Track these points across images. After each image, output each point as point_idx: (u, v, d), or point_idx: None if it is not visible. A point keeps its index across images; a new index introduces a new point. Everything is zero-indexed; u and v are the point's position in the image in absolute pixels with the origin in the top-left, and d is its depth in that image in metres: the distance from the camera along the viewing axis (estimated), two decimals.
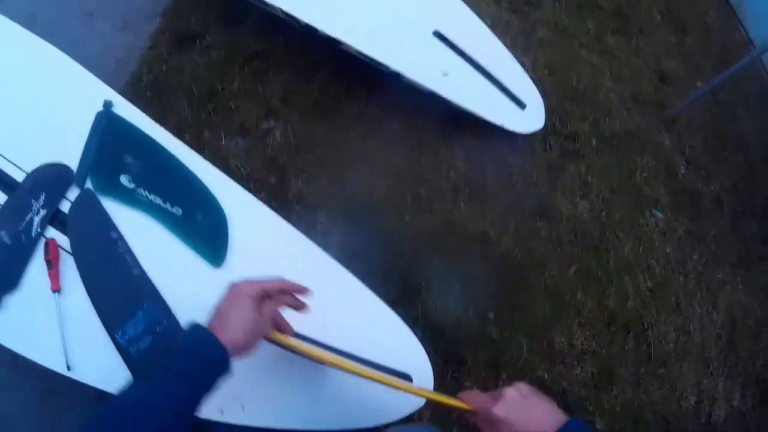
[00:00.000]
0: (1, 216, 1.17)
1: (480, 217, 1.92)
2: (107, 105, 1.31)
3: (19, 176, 1.21)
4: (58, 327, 1.09)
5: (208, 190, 1.27)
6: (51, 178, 1.22)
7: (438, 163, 1.95)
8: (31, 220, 1.16)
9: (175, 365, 0.68)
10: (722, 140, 2.82)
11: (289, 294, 0.87)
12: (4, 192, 1.20)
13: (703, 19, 3.42)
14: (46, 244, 1.14)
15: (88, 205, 1.21)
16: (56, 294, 1.11)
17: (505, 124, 1.88)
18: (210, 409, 1.06)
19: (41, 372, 1.06)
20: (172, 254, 1.20)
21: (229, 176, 1.29)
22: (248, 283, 0.81)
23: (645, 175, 2.39)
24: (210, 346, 0.71)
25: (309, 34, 1.91)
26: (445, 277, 1.78)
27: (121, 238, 1.19)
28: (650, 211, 2.35)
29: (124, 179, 1.24)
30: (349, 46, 1.82)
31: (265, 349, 1.08)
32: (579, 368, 1.90)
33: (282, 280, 0.86)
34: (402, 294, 1.70)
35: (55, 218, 1.20)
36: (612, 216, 2.21)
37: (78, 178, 1.23)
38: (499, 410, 0.70)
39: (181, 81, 1.97)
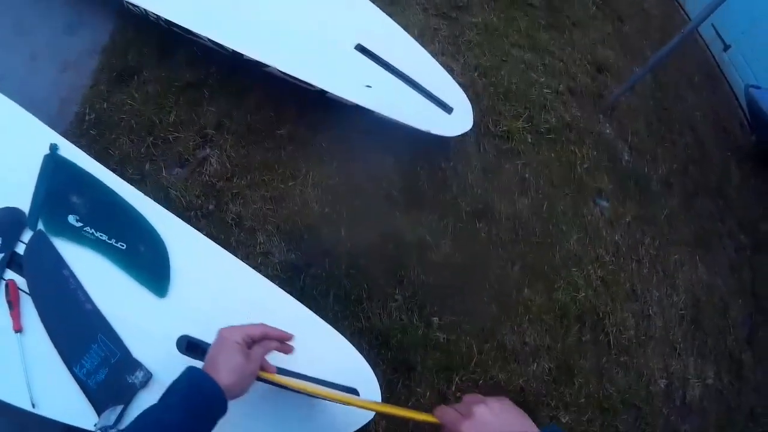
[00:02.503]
0: None
1: (417, 224, 2.13)
2: (53, 148, 1.50)
3: None
4: (21, 366, 1.23)
5: (149, 224, 1.45)
6: (6, 222, 1.39)
7: (371, 175, 2.16)
8: None
9: (178, 404, 0.81)
10: (667, 123, 3.11)
11: (275, 339, 1.04)
12: None
13: (642, 5, 3.76)
14: (6, 286, 1.30)
15: (40, 246, 1.37)
16: (18, 334, 1.26)
17: (432, 130, 2.09)
18: None
19: (10, 409, 1.21)
20: (120, 287, 1.37)
21: (170, 206, 1.47)
22: (234, 329, 0.97)
23: (586, 166, 2.64)
24: (209, 388, 0.84)
25: (237, 59, 2.13)
26: (386, 287, 1.98)
27: (72, 275, 1.35)
28: (594, 200, 2.59)
29: (71, 219, 1.42)
30: (273, 68, 2.05)
31: None
32: (534, 364, 2.08)
33: (264, 326, 1.02)
34: (344, 307, 1.88)
35: (12, 260, 1.35)
36: (554, 210, 2.43)
37: (30, 221, 1.40)
38: (467, 429, 0.72)
39: (121, 117, 2.16)
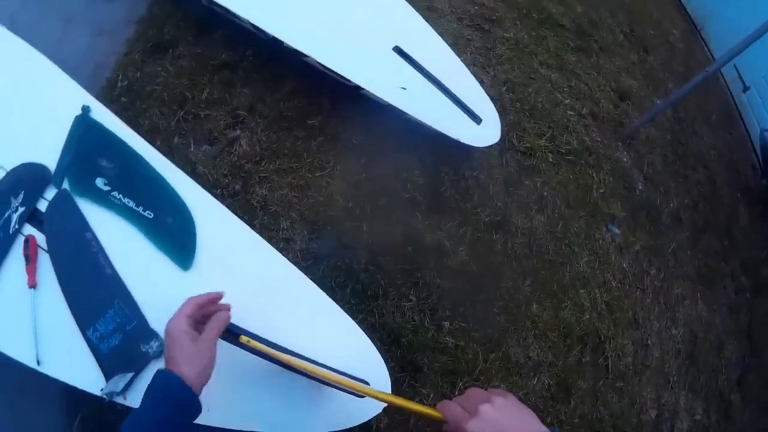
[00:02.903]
0: None
1: (437, 229, 2.20)
2: (85, 110, 1.48)
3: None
4: (31, 322, 1.23)
5: (178, 196, 1.44)
6: (30, 178, 1.38)
7: (397, 176, 2.22)
8: (9, 217, 1.32)
9: (151, 409, 0.86)
10: (682, 157, 3.21)
11: (207, 305, 1.09)
12: None
13: (667, 38, 3.87)
14: (26, 240, 1.29)
15: (64, 205, 1.37)
16: (32, 290, 1.25)
17: (461, 138, 2.16)
18: None
19: (9, 364, 1.22)
20: (143, 256, 1.36)
21: (197, 182, 1.48)
22: (173, 319, 1.01)
23: (602, 191, 2.72)
24: (176, 388, 0.89)
25: (275, 46, 2.16)
26: (402, 286, 2.04)
27: (95, 238, 1.34)
28: (606, 226, 2.67)
29: (99, 182, 1.41)
30: (312, 59, 2.10)
31: (232, 352, 1.26)
32: (535, 379, 2.15)
33: (190, 299, 1.07)
34: (360, 301, 1.93)
35: (33, 216, 1.34)
36: (568, 230, 2.51)
37: (55, 179, 1.39)
38: (472, 427, 0.72)
39: (153, 88, 2.20)
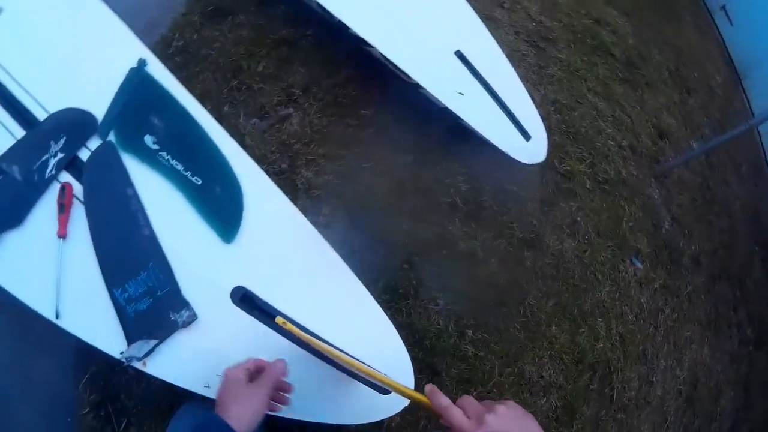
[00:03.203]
0: (15, 151, 1.23)
1: (472, 237, 2.17)
2: (141, 63, 1.40)
3: (41, 115, 1.29)
4: (55, 273, 1.16)
5: (230, 166, 1.38)
6: (74, 123, 1.30)
7: (440, 179, 2.19)
8: (47, 162, 1.23)
9: None
10: (709, 203, 3.19)
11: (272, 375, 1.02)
12: (23, 127, 1.26)
13: (709, 82, 3.85)
14: (63, 188, 1.21)
15: (108, 157, 1.29)
16: (61, 240, 1.18)
17: (510, 152, 2.13)
18: (194, 382, 1.19)
19: (24, 313, 1.15)
20: (185, 222, 1.30)
21: None
22: (234, 368, 0.99)
23: (631, 224, 2.71)
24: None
25: (338, 30, 2.13)
26: (433, 289, 2.02)
27: (136, 196, 1.27)
28: (630, 259, 2.66)
29: (148, 139, 1.33)
30: (375, 49, 2.04)
31: (257, 333, 1.25)
32: (544, 399, 2.14)
33: (256, 360, 1.04)
34: (390, 298, 1.91)
35: (72, 164, 1.26)
36: (595, 258, 2.50)
37: (102, 129, 1.31)
38: None
39: (209, 52, 2.15)
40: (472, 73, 2.22)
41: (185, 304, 1.23)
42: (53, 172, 1.24)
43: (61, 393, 1.47)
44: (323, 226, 1.94)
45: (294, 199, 1.95)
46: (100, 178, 1.28)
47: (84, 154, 1.29)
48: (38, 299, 1.16)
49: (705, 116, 3.58)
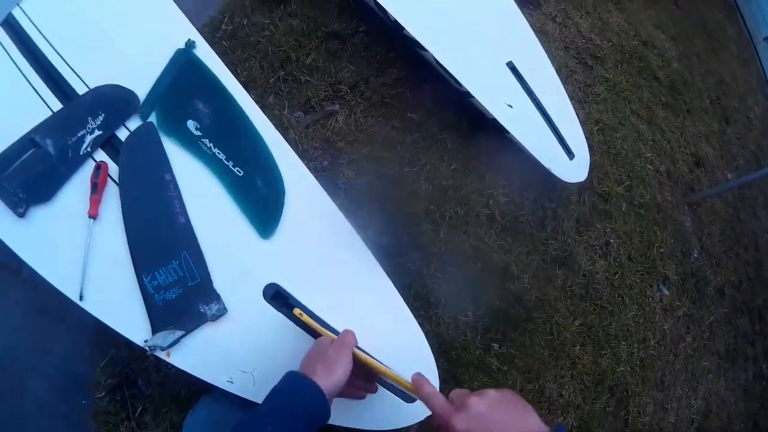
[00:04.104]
0: (50, 124, 1.13)
1: (507, 252, 2.06)
2: (189, 45, 1.29)
3: (81, 90, 1.19)
4: (82, 253, 1.08)
5: (273, 159, 1.28)
6: (114, 100, 1.19)
7: (481, 190, 2.08)
8: (83, 138, 1.14)
9: (282, 412, 0.75)
10: (738, 235, 3.04)
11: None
12: (61, 101, 1.16)
13: (748, 114, 3.67)
14: (98, 166, 1.12)
15: (147, 138, 1.19)
16: (92, 220, 1.09)
17: (553, 169, 2.02)
18: (218, 376, 1.12)
19: (44, 290, 1.09)
20: (223, 214, 1.21)
21: None
22: (324, 337, 0.96)
23: (662, 250, 2.57)
24: (310, 391, 0.78)
25: (392, 30, 2.02)
26: (464, 300, 1.92)
27: (174, 182, 1.17)
28: (658, 285, 2.53)
29: (190, 124, 1.23)
30: (428, 53, 1.93)
31: (287, 331, 1.17)
32: (561, 418, 2.04)
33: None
34: (421, 306, 1.82)
35: (109, 143, 1.17)
36: (624, 281, 2.37)
37: (143, 109, 1.21)
38: (458, 422, 0.65)
39: (258, 39, 2.03)
40: (522, 85, 2.10)
41: (216, 297, 1.14)
42: (89, 149, 1.14)
43: (78, 373, 1.39)
44: (361, 227, 1.84)
45: (334, 198, 1.86)
46: (137, 160, 1.18)
47: (122, 134, 1.20)
48: (63, 279, 1.08)
49: (741, 147, 3.41)
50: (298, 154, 1.30)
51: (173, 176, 1.18)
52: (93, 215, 1.09)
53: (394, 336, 1.32)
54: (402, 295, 1.34)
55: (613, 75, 2.83)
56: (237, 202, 1.23)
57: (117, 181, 1.15)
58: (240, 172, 1.24)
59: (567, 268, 2.20)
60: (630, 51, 3.02)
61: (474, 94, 1.94)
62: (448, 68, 1.92)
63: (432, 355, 1.36)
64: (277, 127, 1.85)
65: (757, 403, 2.83)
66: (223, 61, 1.33)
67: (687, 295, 2.62)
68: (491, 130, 2.08)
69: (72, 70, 1.21)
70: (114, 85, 1.21)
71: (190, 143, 1.23)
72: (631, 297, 2.37)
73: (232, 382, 1.13)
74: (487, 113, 1.98)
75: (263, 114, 1.32)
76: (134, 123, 1.21)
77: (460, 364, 1.86)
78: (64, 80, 1.19)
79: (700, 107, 3.28)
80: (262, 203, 1.25)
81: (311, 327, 1.09)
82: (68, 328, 1.41)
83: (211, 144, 1.24)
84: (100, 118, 1.16)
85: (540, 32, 2.68)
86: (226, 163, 1.24)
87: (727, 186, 2.84)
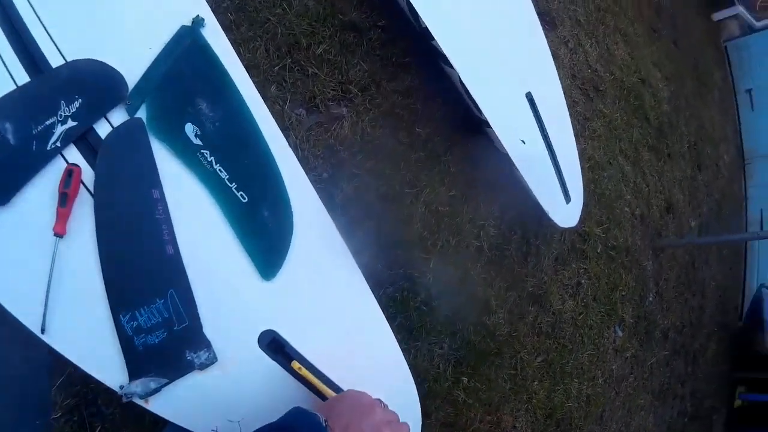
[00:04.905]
0: (12, 102, 0.84)
1: (489, 285, 1.98)
2: (197, 22, 0.99)
3: (55, 62, 0.88)
4: (44, 278, 0.84)
5: (284, 187, 1.04)
6: (96, 83, 0.89)
7: (474, 220, 1.96)
8: (52, 127, 0.85)
9: None
10: (690, 282, 3.12)
11: None
12: (28, 72, 0.86)
13: (717, 161, 3.73)
14: (69, 172, 0.84)
15: (133, 140, 0.91)
16: (57, 239, 0.83)
17: (550, 212, 1.94)
18: (202, 425, 0.97)
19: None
20: (219, 247, 0.98)
21: None
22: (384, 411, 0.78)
23: (623, 293, 2.59)
24: None
25: (418, 35, 1.81)
26: (442, 333, 1.83)
27: (163, 201, 0.92)
28: (614, 327, 2.56)
29: (189, 129, 0.96)
30: (454, 72, 1.76)
31: (280, 380, 1.01)
32: None
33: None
34: (404, 337, 1.72)
35: (84, 139, 0.87)
36: (586, 321, 2.37)
37: (131, 99, 0.92)
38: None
39: (267, 18, 1.76)
40: (536, 120, 1.96)
41: (206, 344, 0.95)
42: (58, 143, 0.85)
43: (33, 392, 1.20)
44: (352, 253, 1.70)
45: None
46: (119, 167, 0.90)
47: (102, 129, 0.90)
48: (20, 304, 0.84)
49: (707, 194, 3.47)
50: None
51: (162, 194, 0.92)
52: (59, 233, 0.83)
53: (388, 390, 1.22)
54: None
55: (610, 111, 2.76)
56: (237, 234, 0.99)
57: (92, 191, 0.87)
58: (244, 198, 0.99)
59: (539, 306, 2.17)
60: (629, 87, 2.95)
61: (492, 125, 1.79)
62: (471, 92, 1.76)
63: (420, 415, 1.24)
64: (277, 125, 1.66)
65: None
66: (227, 36, 1.04)
67: (637, 337, 2.68)
68: (495, 157, 1.96)
69: (48, 34, 0.89)
70: (97, 61, 0.90)
71: (186, 153, 0.95)
72: (590, 337, 2.38)
73: (215, 431, 0.97)
74: (500, 146, 1.85)
75: (278, 128, 1.07)
76: (118, 116, 0.91)
77: (430, 396, 1.80)
78: (36, 46, 0.87)
79: (679, 152, 3.29)
80: (266, 238, 1.02)
81: (310, 382, 0.98)
82: (23, 344, 1.21)
83: (213, 158, 0.97)
84: (76, 104, 0.86)
85: (553, 56, 2.55)
86: (228, 184, 0.98)
87: (686, 241, 2.92)
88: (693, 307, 3.12)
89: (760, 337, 3.16)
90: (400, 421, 0.76)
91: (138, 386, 0.90)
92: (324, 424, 0.66)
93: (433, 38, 1.73)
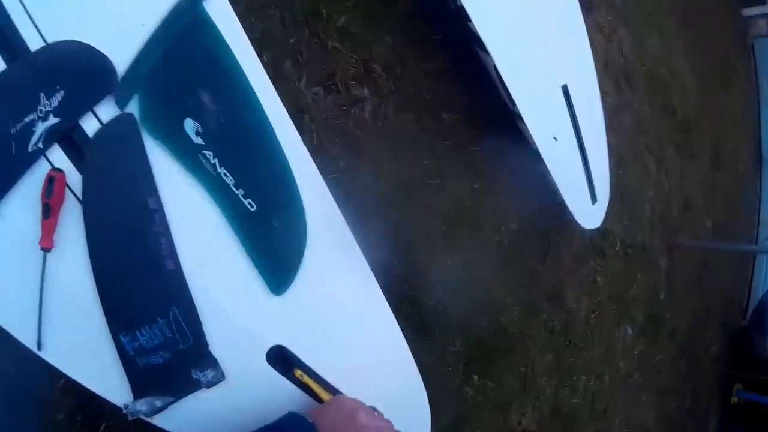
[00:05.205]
0: None
1: (505, 285, 1.89)
2: None
3: (34, 45, 0.73)
4: (35, 295, 0.75)
5: (298, 193, 0.92)
6: (78, 69, 0.74)
7: (496, 215, 1.87)
8: (32, 125, 0.71)
9: None
10: (702, 281, 3.06)
11: None
12: (3, 59, 0.71)
13: (736, 161, 3.61)
14: (51, 179, 0.72)
15: (125, 139, 0.78)
16: (44, 253, 0.73)
17: (576, 213, 1.84)
18: None
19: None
20: (225, 260, 0.88)
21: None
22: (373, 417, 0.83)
23: (637, 291, 2.52)
24: None
25: (453, 14, 1.61)
26: (455, 331, 1.76)
27: (160, 210, 0.80)
28: (625, 325, 2.51)
29: (189, 126, 0.81)
30: (489, 58, 1.62)
31: (289, 396, 0.96)
32: None
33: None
34: (416, 337, 1.64)
35: (69, 137, 0.74)
36: (599, 320, 2.30)
37: (121, 90, 0.76)
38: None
39: None
40: (570, 115, 1.84)
41: (212, 363, 0.87)
42: (40, 144, 0.72)
43: (36, 393, 1.12)
44: (368, 246, 1.59)
45: (343, 209, 1.57)
46: (109, 173, 0.78)
47: (89, 125, 0.76)
48: (13, 320, 0.76)
49: (724, 193, 3.37)
50: (312, 150, 0.97)
51: (159, 202, 0.80)
52: (46, 247, 0.73)
53: (398, 403, 1.15)
54: (401, 326, 1.15)
55: (639, 104, 2.62)
56: (245, 247, 0.88)
57: (80, 198, 0.75)
58: (252, 207, 0.87)
59: (554, 304, 2.10)
60: (659, 80, 2.80)
61: (525, 120, 1.67)
62: (506, 82, 1.63)
63: (429, 414, 1.23)
64: (289, 104, 1.50)
65: None
66: (236, 8, 0.87)
67: (645, 335, 2.63)
68: (524, 150, 1.84)
69: (29, 16, 0.72)
70: (80, 42, 0.74)
71: (186, 154, 0.82)
72: (600, 335, 2.32)
73: None
74: (532, 143, 1.73)
75: (292, 124, 0.94)
76: (107, 110, 0.77)
77: (439, 394, 1.73)
78: (12, 25, 0.71)
79: (701, 150, 3.17)
80: (277, 251, 0.91)
81: (312, 389, 0.94)
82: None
83: (217, 160, 0.83)
84: (58, 96, 0.72)
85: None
86: (234, 190, 0.85)
87: (701, 245, 2.86)
88: (701, 306, 3.07)
89: (763, 341, 3.13)
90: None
91: (143, 405, 0.85)
92: (313, 428, 0.74)
93: (468, 19, 1.58)
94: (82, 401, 1.15)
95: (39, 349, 0.76)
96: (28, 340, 0.76)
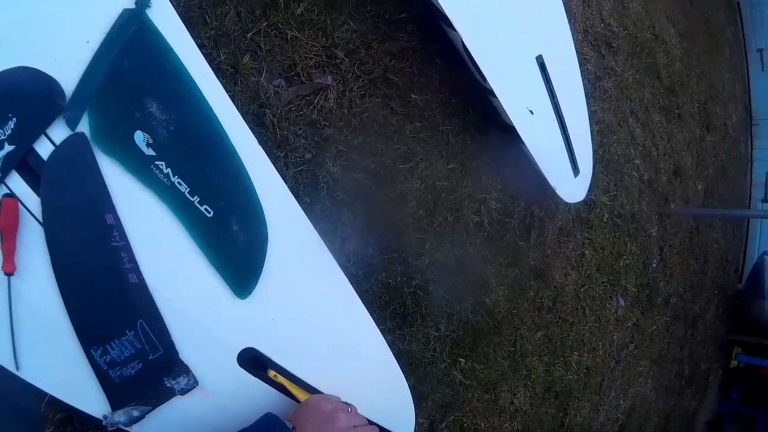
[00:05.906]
0: None
1: (488, 263, 1.82)
2: (142, 3, 0.79)
3: None
4: (5, 319, 0.74)
5: (255, 193, 0.89)
6: (27, 94, 0.73)
7: (474, 194, 1.77)
8: None
9: None
10: (694, 246, 2.96)
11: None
12: None
13: (725, 122, 3.48)
14: (0, 205, 0.71)
15: (78, 159, 0.76)
16: (8, 277, 0.72)
17: (557, 188, 1.76)
18: None
19: None
20: (187, 268, 0.86)
21: (259, 136, 0.93)
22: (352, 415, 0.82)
23: (627, 262, 2.43)
24: None
25: None
26: (438, 316, 1.70)
27: (119, 226, 0.78)
28: (617, 297, 2.43)
29: (139, 138, 0.79)
30: (456, 35, 1.52)
31: (265, 398, 0.93)
32: (508, 423, 1.97)
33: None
34: (396, 325, 1.58)
35: (25, 162, 0.73)
36: (589, 293, 2.23)
37: (70, 110, 0.75)
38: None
39: None
40: (547, 86, 1.72)
41: (184, 369, 0.85)
42: None
43: (23, 409, 1.07)
44: (341, 239, 1.52)
45: (312, 202, 1.49)
46: (65, 193, 0.77)
47: (43, 149, 0.74)
48: None
49: (714, 156, 3.25)
50: (274, 144, 0.89)
51: (117, 218, 0.78)
52: (8, 272, 0.72)
53: (380, 396, 1.10)
54: (378, 313, 1.19)
55: (622, 69, 2.50)
56: (205, 253, 0.85)
57: (40, 220, 0.74)
58: (209, 212, 0.85)
59: (541, 280, 2.02)
60: (642, 43, 2.67)
61: (498, 95, 1.57)
62: (475, 58, 1.52)
63: (413, 407, 1.15)
64: (250, 101, 1.43)
65: (673, 401, 2.91)
66: (188, 6, 0.92)
67: (639, 305, 2.55)
68: (499, 126, 1.75)
69: None
70: (26, 67, 0.72)
71: (138, 167, 0.80)
72: (591, 309, 2.25)
73: None
74: (506, 118, 1.63)
75: (245, 124, 0.89)
76: (59, 132, 0.75)
77: (426, 380, 1.68)
78: None
79: (690, 113, 3.04)
80: (238, 254, 0.88)
81: (287, 389, 0.92)
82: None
83: (169, 169, 0.82)
84: (11, 124, 0.70)
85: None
86: (190, 198, 0.83)
87: (692, 213, 2.77)
88: (695, 272, 2.99)
89: (759, 304, 3.05)
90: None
91: (121, 416, 0.84)
92: (291, 430, 0.72)
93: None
94: (69, 415, 1.10)
95: (17, 369, 0.76)
96: (6, 362, 0.75)
